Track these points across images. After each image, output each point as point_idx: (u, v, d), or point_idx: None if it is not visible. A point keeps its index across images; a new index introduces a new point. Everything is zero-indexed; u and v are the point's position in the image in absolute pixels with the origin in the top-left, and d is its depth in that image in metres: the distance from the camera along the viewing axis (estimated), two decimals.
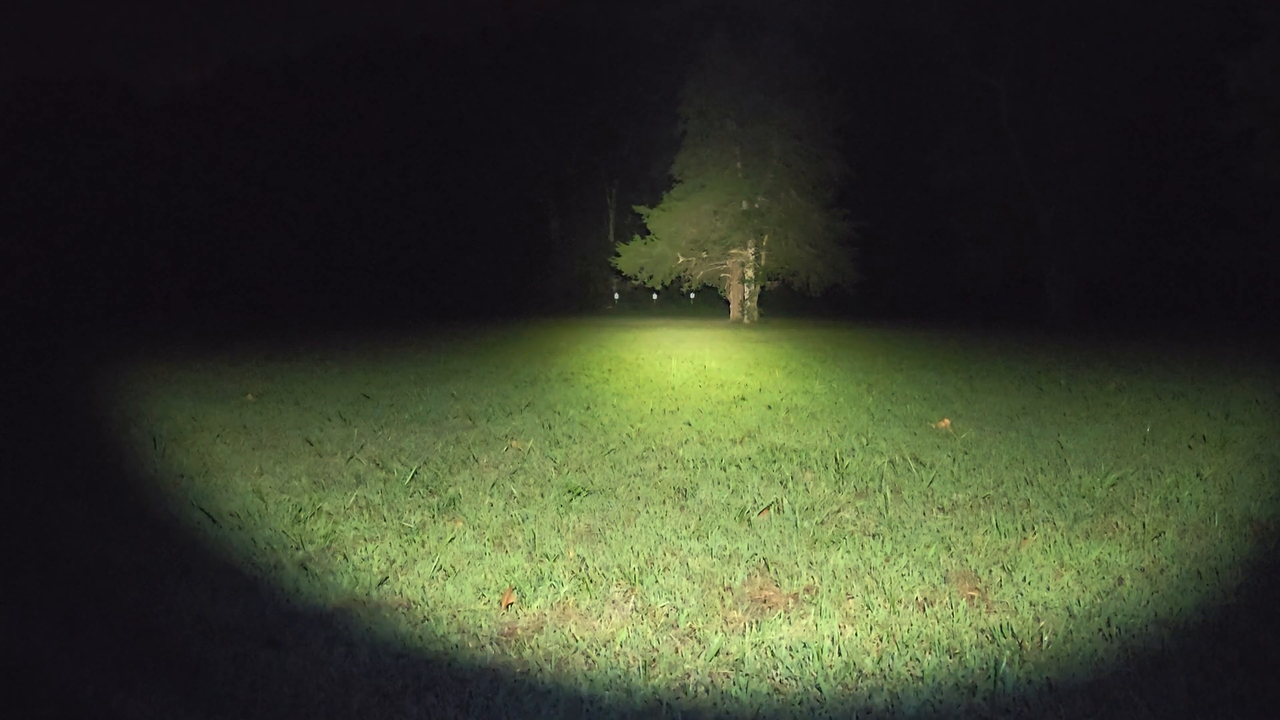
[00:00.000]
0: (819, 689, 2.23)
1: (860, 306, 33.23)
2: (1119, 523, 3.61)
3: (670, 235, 29.81)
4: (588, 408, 7.09)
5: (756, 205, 29.62)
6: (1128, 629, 2.56)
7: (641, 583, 2.96)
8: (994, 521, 3.61)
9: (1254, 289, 27.42)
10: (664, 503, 4.01)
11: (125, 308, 37.58)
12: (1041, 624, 2.60)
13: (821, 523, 3.66)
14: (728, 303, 32.14)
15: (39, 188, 38.99)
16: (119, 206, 39.94)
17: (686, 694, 2.22)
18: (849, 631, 2.56)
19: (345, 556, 3.26)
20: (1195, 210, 28.51)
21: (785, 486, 4.28)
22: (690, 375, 9.79)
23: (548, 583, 2.96)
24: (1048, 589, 2.87)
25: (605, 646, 2.48)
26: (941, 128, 30.43)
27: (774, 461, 4.87)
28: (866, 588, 2.90)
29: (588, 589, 2.91)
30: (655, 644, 2.50)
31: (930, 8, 29.37)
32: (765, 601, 2.81)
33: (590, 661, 2.40)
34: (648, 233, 30.46)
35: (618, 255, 31.45)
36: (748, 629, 2.59)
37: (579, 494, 4.15)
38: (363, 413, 6.84)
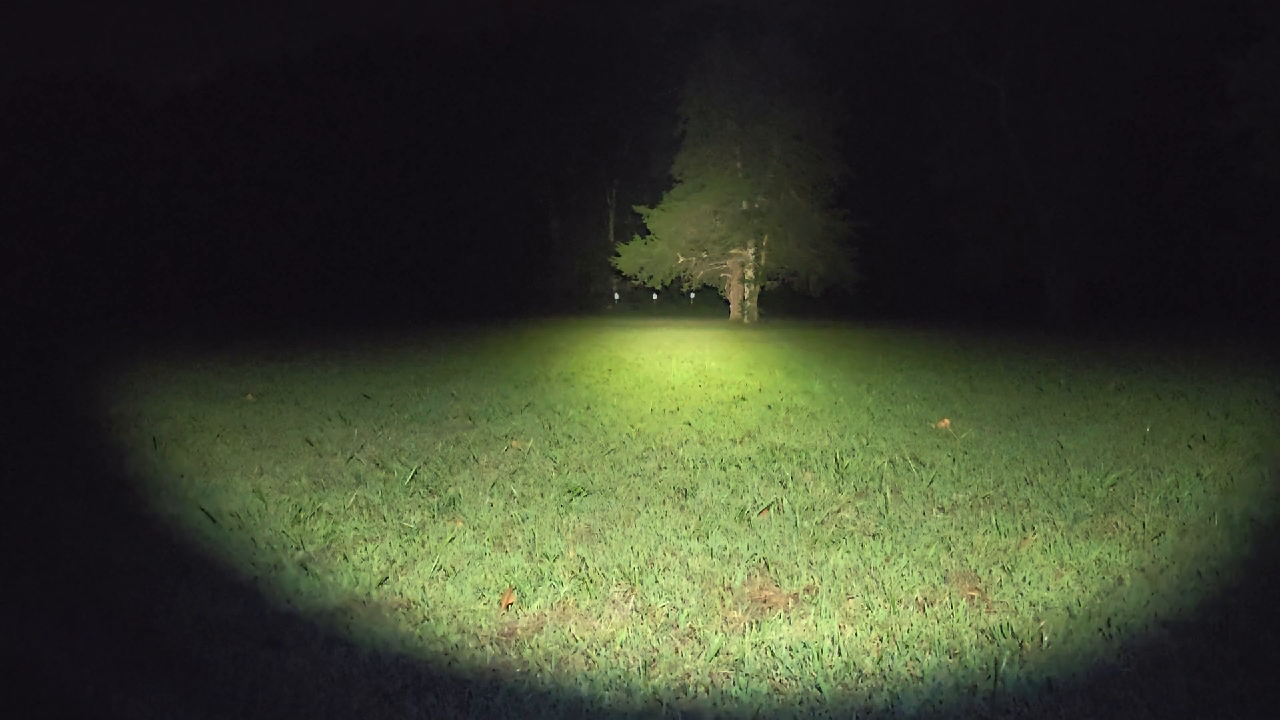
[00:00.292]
0: (819, 689, 2.23)
1: (860, 306, 33.24)
2: (1119, 523, 3.61)
3: (670, 235, 29.82)
4: (588, 408, 7.09)
5: (756, 205, 29.63)
6: (1128, 629, 2.55)
7: (641, 583, 2.96)
8: (994, 521, 3.61)
9: (1254, 289, 27.42)
10: (664, 503, 4.01)
11: (125, 308, 37.57)
12: (1041, 624, 2.60)
13: (821, 523, 3.66)
14: (728, 303, 32.15)
15: (39, 188, 38.99)
16: (119, 206, 39.95)
17: (686, 694, 2.22)
18: (849, 631, 2.56)
19: (345, 556, 3.26)
20: (1195, 210, 28.52)
21: (785, 486, 4.28)
22: (690, 375, 9.79)
23: (548, 583, 2.96)
24: (1048, 589, 2.87)
25: (605, 646, 2.48)
26: (941, 128, 30.44)
27: (774, 461, 4.87)
28: (866, 588, 2.90)
29: (588, 589, 2.91)
30: (655, 644, 2.50)
31: (930, 8, 29.38)
32: (765, 601, 2.82)
33: (590, 661, 2.40)
34: (648, 233, 30.47)
35: (618, 255, 31.46)
36: (748, 629, 2.59)
37: (579, 494, 4.15)
38: (363, 413, 6.84)
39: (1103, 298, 30.87)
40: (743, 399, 7.63)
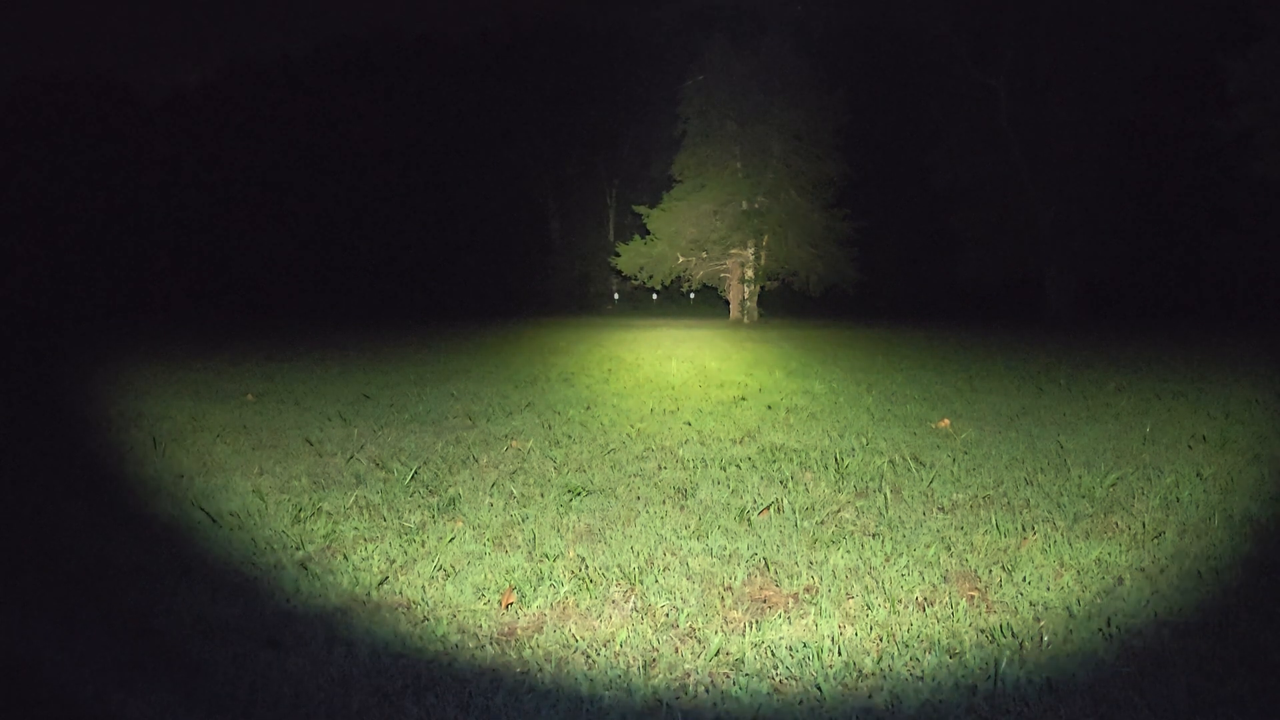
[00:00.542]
0: (819, 689, 2.23)
1: (860, 306, 33.24)
2: (1119, 523, 3.61)
3: (670, 235, 29.82)
4: (588, 408, 7.09)
5: (756, 205, 29.63)
6: (1128, 629, 2.55)
7: (641, 583, 2.96)
8: (994, 521, 3.61)
9: (1254, 289, 27.42)
10: (664, 503, 4.01)
11: (125, 308, 37.58)
12: (1041, 624, 2.60)
13: (821, 523, 3.66)
14: (728, 303, 32.15)
15: (39, 188, 38.99)
16: (119, 206, 39.95)
17: (686, 694, 2.22)
18: (849, 631, 2.56)
19: (345, 556, 3.26)
20: (1195, 210, 28.52)
21: (785, 486, 4.28)
22: (690, 375, 9.79)
23: (548, 583, 2.96)
24: (1048, 589, 2.87)
25: (605, 646, 2.48)
26: (941, 128, 30.43)
27: (774, 461, 4.87)
28: (866, 588, 2.90)
29: (588, 589, 2.91)
30: (655, 644, 2.50)
31: (930, 8, 29.38)
32: (765, 601, 2.82)
33: (590, 661, 2.40)
34: (648, 233, 30.47)
35: (618, 255, 31.46)
36: (748, 629, 2.59)
37: (579, 494, 4.15)
38: (363, 413, 6.85)
39: (1103, 298, 30.86)
40: (743, 399, 7.63)
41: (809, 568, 3.10)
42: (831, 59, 30.06)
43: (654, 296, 37.57)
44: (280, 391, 8.24)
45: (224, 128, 41.14)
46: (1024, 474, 4.50)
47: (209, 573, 3.10)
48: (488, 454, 5.14)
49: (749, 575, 3.05)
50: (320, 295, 38.98)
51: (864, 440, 5.50)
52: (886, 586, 2.90)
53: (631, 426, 6.13)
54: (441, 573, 3.08)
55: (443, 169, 39.18)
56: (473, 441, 5.54)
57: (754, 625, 2.61)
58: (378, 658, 2.41)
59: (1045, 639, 2.49)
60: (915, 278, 34.45)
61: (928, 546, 3.30)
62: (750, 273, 30.38)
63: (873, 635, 2.53)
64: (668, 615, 2.70)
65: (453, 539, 3.45)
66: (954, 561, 3.16)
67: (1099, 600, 2.77)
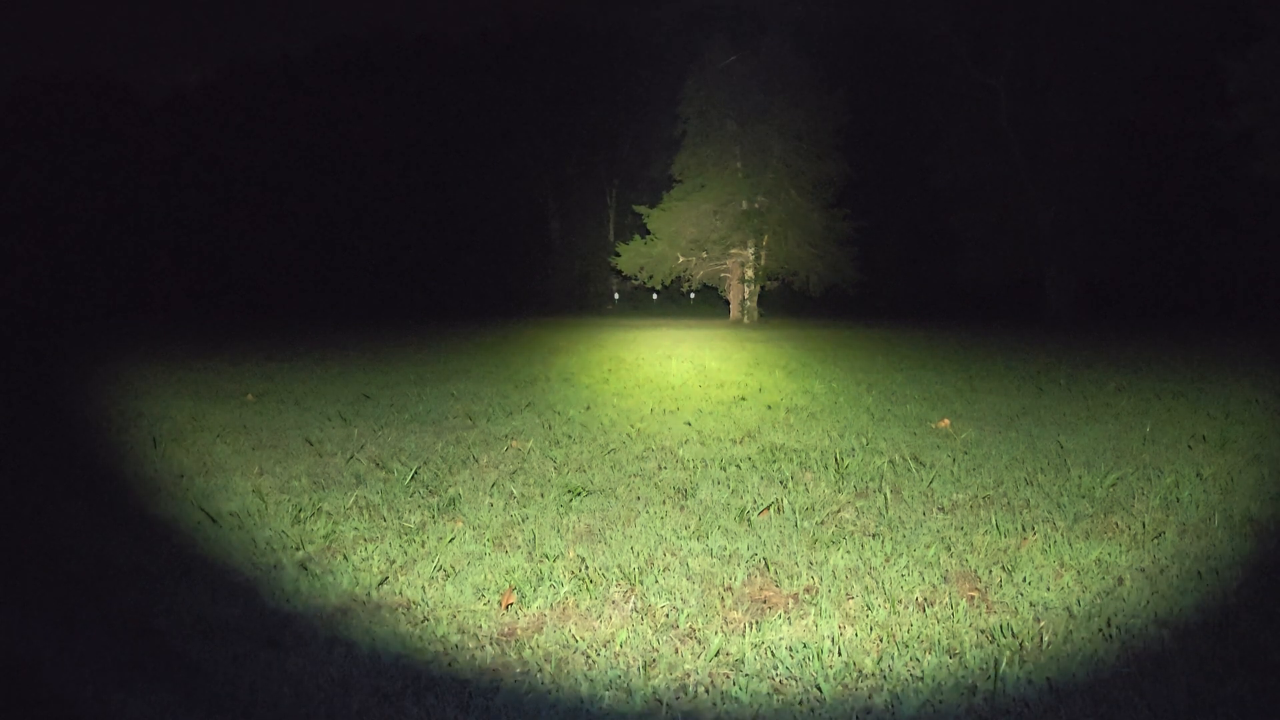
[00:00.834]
0: (819, 689, 2.23)
1: (860, 306, 33.24)
2: (1119, 523, 3.61)
3: (670, 235, 29.82)
4: (588, 408, 7.09)
5: (756, 205, 29.63)
6: (1128, 629, 2.55)
7: (641, 583, 2.96)
8: (994, 521, 3.61)
9: (1254, 289, 27.42)
10: (664, 503, 4.01)
11: (125, 308, 37.58)
12: (1041, 624, 2.60)
13: (821, 523, 3.66)
14: (728, 303, 32.15)
15: (39, 188, 38.98)
16: (119, 206, 39.94)
17: (686, 694, 2.22)
18: (849, 631, 2.56)
19: (345, 556, 3.26)
20: (1195, 210, 28.53)
21: (785, 486, 4.28)
22: (690, 375, 9.79)
23: (548, 583, 2.96)
24: (1048, 589, 2.87)
25: (605, 647, 2.48)
26: (941, 128, 30.44)
27: (774, 461, 4.87)
28: (866, 588, 2.90)
29: (588, 589, 2.91)
30: (655, 644, 2.50)
31: (930, 8, 29.37)
32: (765, 601, 2.81)
33: (590, 661, 2.40)
34: (648, 233, 30.47)
35: (618, 255, 31.46)
36: (748, 629, 2.59)
37: (579, 494, 4.15)
38: (363, 413, 6.84)
39: (1103, 298, 30.86)
40: (743, 399, 7.63)
41: (809, 568, 3.10)
42: (831, 59, 30.05)
43: (654, 296, 37.57)
44: (280, 391, 8.24)
45: (224, 128, 41.13)
46: (1024, 474, 4.50)
47: (209, 573, 3.10)
48: (488, 454, 5.14)
49: (749, 575, 3.05)
50: (320, 295, 38.98)
51: (864, 440, 5.50)
52: (886, 587, 2.90)
53: (631, 426, 6.13)
54: (441, 573, 3.07)
55: (443, 169, 39.17)
56: (473, 441, 5.54)
57: (754, 626, 2.61)
58: (378, 658, 2.41)
59: (1045, 639, 2.49)
60: (915, 278, 34.45)
61: (928, 547, 3.30)
62: (750, 273, 30.38)
63: (873, 635, 2.53)
64: (668, 616, 2.70)
65: (453, 539, 3.45)
66: (954, 562, 3.16)
67: (1099, 600, 2.77)
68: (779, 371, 10.16)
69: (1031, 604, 2.75)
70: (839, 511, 3.83)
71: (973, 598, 2.82)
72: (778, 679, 2.29)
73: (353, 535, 3.53)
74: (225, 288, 40.11)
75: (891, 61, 33.22)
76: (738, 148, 30.10)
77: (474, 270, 39.28)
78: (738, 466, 4.74)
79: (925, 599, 2.80)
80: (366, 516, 3.80)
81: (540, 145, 38.71)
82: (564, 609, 2.77)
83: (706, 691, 2.23)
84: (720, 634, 2.55)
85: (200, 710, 2.15)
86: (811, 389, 8.30)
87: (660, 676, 2.30)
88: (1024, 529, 3.52)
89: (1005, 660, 2.35)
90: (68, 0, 74.37)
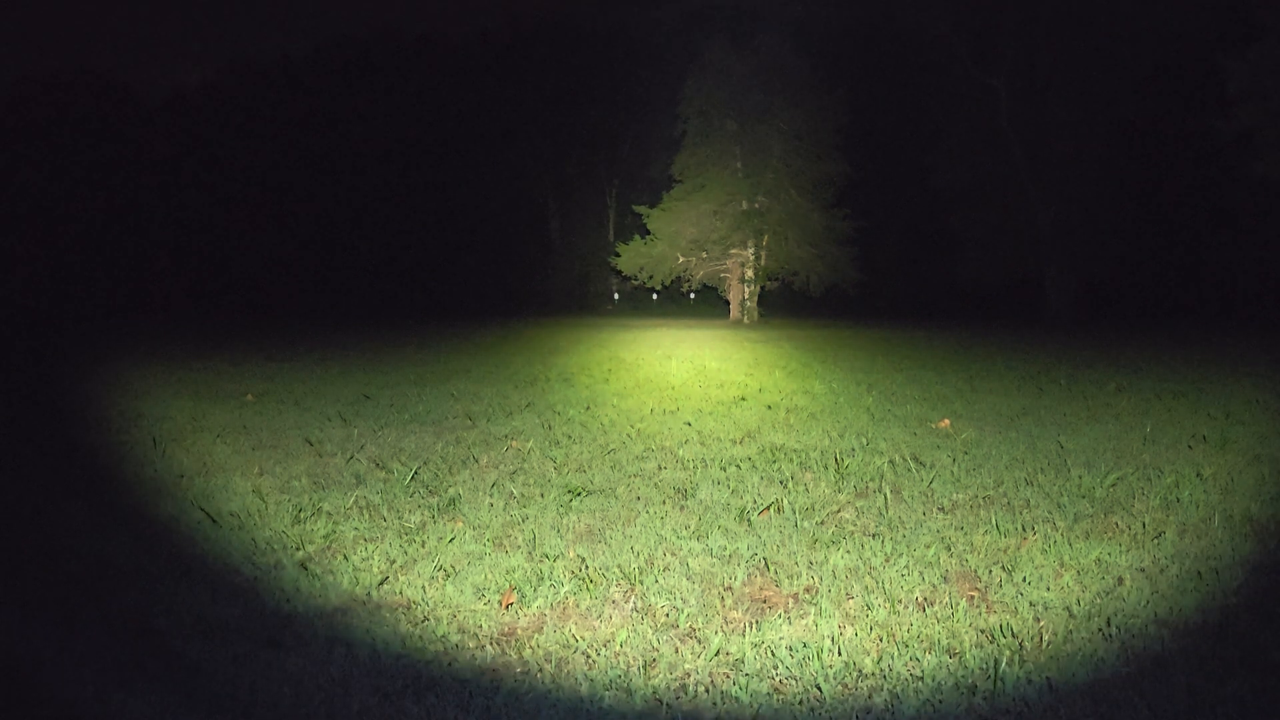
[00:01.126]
0: (819, 689, 2.23)
1: (860, 306, 33.24)
2: (1119, 523, 3.61)
3: (670, 235, 29.82)
4: (588, 408, 7.09)
5: (756, 205, 29.63)
6: (1128, 629, 2.55)
7: (641, 583, 2.96)
8: (994, 521, 3.61)
9: (1254, 289, 27.41)
10: (664, 503, 4.01)
11: (125, 308, 37.57)
12: (1041, 624, 2.60)
13: (821, 523, 3.66)
14: (728, 303, 32.15)
15: (39, 188, 38.98)
16: (119, 206, 39.94)
17: (686, 694, 2.22)
18: (849, 631, 2.56)
19: (345, 556, 3.26)
20: (1195, 210, 28.52)
21: (785, 486, 4.28)
22: (690, 375, 9.79)
23: (548, 583, 2.96)
24: (1048, 589, 2.87)
25: (605, 646, 2.48)
26: (941, 128, 30.43)
27: (774, 461, 4.87)
28: (866, 588, 2.90)
29: (588, 589, 2.91)
30: (655, 644, 2.50)
31: (930, 8, 29.37)
32: (765, 601, 2.82)
33: (590, 661, 2.40)
34: (648, 233, 30.48)
35: (618, 255, 31.47)
36: (748, 629, 2.59)
37: (579, 494, 4.15)
38: (363, 413, 6.84)
39: (1103, 298, 30.86)
40: (743, 399, 7.63)
41: (809, 568, 3.10)
42: (831, 59, 30.07)
43: (654, 296, 37.58)
44: (280, 391, 8.24)
45: (224, 128, 41.14)
46: (1024, 474, 4.50)
47: (209, 573, 3.10)
48: (488, 454, 5.14)
49: (749, 575, 3.05)
50: (320, 295, 38.98)
51: (864, 440, 5.50)
52: (886, 586, 2.90)
53: (631, 426, 6.13)
54: (441, 573, 3.07)
55: (443, 169, 39.18)
56: (473, 441, 5.54)
57: (754, 625, 2.61)
58: (378, 658, 2.41)
59: (1045, 639, 2.49)
60: (915, 278, 34.45)
61: (928, 547, 3.30)
62: (750, 273, 30.39)
63: (873, 635, 2.53)
64: (668, 615, 2.70)
65: (453, 539, 3.45)
66: (954, 561, 3.16)
67: (1099, 600, 2.77)
68: (779, 371, 10.16)
69: (1031, 604, 2.75)
70: (839, 511, 3.83)
71: (973, 598, 2.82)
72: (778, 679, 2.29)
73: (353, 535, 3.53)
74: (225, 288, 40.11)
75: (891, 61, 33.23)
76: (738, 148, 30.10)
77: (474, 270, 39.28)
78: (738, 466, 4.74)
79: (925, 599, 2.80)
80: (366, 516, 3.80)
81: (540, 145, 38.71)
82: (564, 609, 2.77)
83: (706, 691, 2.23)
84: (720, 634, 2.55)
85: (200, 710, 2.15)
86: (811, 389, 8.30)
87: (660, 676, 2.30)
88: (1024, 529, 3.52)
89: (1005, 660, 2.35)
90: (68, 0, 74.37)
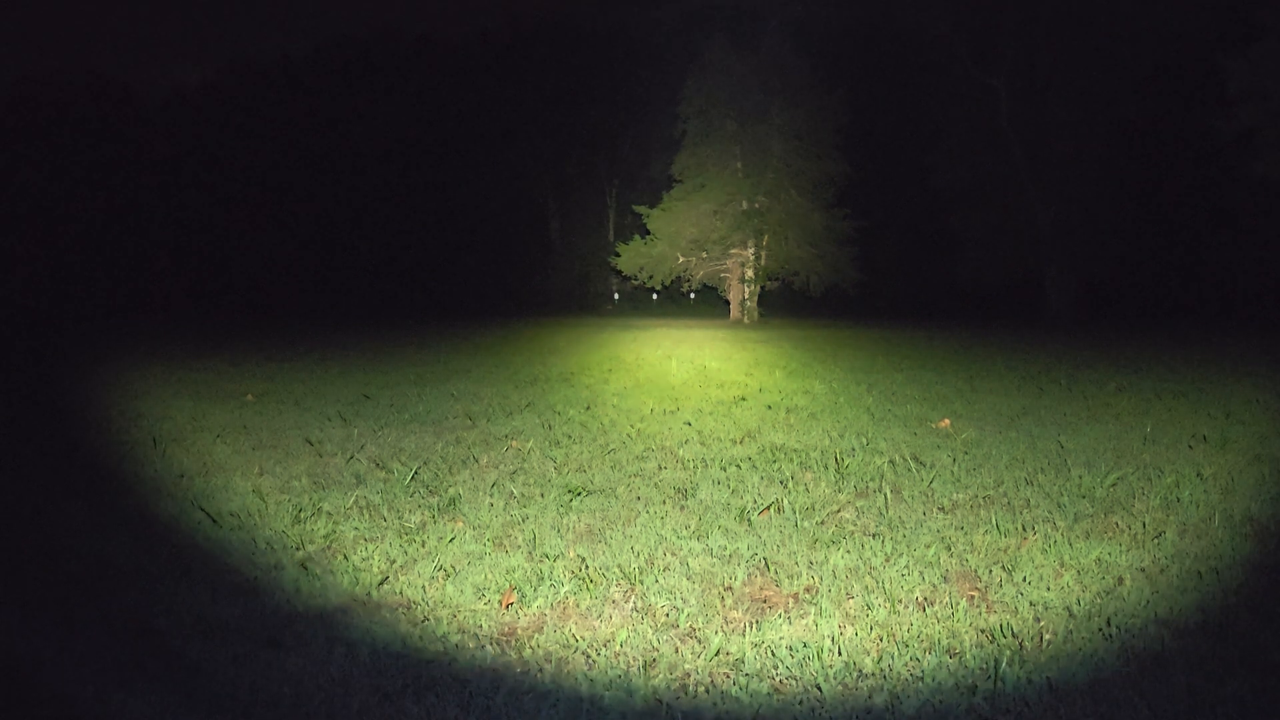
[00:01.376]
0: (819, 689, 2.23)
1: (860, 306, 33.24)
2: (1119, 523, 3.61)
3: (670, 235, 29.81)
4: (588, 408, 7.09)
5: (756, 205, 29.62)
6: (1128, 629, 2.55)
7: (641, 583, 2.96)
8: (994, 521, 3.61)
9: (1254, 289, 27.41)
10: (664, 503, 4.01)
11: (125, 308, 37.57)
12: (1041, 624, 2.60)
13: (821, 523, 3.66)
14: (728, 303, 32.14)
15: (39, 188, 38.98)
16: (119, 206, 39.94)
17: (686, 694, 2.22)
18: (849, 631, 2.56)
19: (345, 556, 3.26)
20: (1195, 210, 28.51)
21: (785, 486, 4.28)
22: (690, 375, 9.79)
23: (548, 583, 2.96)
24: (1048, 589, 2.87)
25: (605, 646, 2.48)
26: (941, 128, 30.42)
27: (774, 461, 4.87)
28: (866, 587, 2.90)
29: (588, 589, 2.91)
30: (655, 644, 2.50)
31: (930, 8, 29.37)
32: (765, 601, 2.82)
33: (590, 661, 2.40)
34: (648, 233, 30.47)
35: (618, 255, 31.45)
36: (748, 629, 2.59)
37: (579, 494, 4.15)
38: (363, 413, 6.85)
39: (1103, 298, 30.86)
40: (743, 399, 7.63)
41: (809, 568, 3.10)
42: (831, 59, 30.06)
43: (654, 296, 37.56)
44: (280, 391, 8.24)
45: (224, 128, 41.13)
46: (1024, 474, 4.50)
47: (209, 573, 3.10)
48: (488, 454, 5.14)
49: (749, 575, 3.05)
50: (320, 295, 38.97)
51: (864, 440, 5.50)
52: (886, 586, 2.90)
53: (631, 426, 6.13)
54: (442, 573, 3.08)
55: (443, 169, 39.16)
56: (473, 441, 5.54)
57: (754, 625, 2.61)
58: (378, 658, 2.41)
59: (1045, 639, 2.49)
60: (915, 278, 34.44)
61: (928, 546, 3.30)
62: (750, 273, 30.38)
63: (873, 635, 2.53)
64: (668, 615, 2.70)
65: (453, 539, 3.45)
66: (954, 561, 3.16)
67: (1099, 600, 2.77)
68: (779, 371, 10.16)
69: (1031, 604, 2.75)
70: (839, 511, 3.83)
71: (973, 597, 2.82)
72: (778, 679, 2.29)
73: (353, 535, 3.53)
74: (225, 288, 40.10)
75: (891, 61, 33.22)
76: (738, 148, 30.10)
77: (474, 270, 39.27)
78: (738, 466, 4.74)
79: (925, 599, 2.80)
80: (367, 516, 3.80)
81: (540, 145, 38.70)
82: (564, 609, 2.77)
83: (706, 691, 2.23)
84: (720, 634, 2.55)
85: (200, 710, 2.15)
86: (811, 389, 8.30)
87: (660, 676, 2.30)
88: (1024, 529, 3.52)
89: (1005, 660, 2.35)
90: (68, 0, 74.36)
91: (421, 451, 5.23)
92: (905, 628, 2.57)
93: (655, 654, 2.43)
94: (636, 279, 31.43)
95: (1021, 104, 29.05)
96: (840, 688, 2.24)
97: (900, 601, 2.77)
